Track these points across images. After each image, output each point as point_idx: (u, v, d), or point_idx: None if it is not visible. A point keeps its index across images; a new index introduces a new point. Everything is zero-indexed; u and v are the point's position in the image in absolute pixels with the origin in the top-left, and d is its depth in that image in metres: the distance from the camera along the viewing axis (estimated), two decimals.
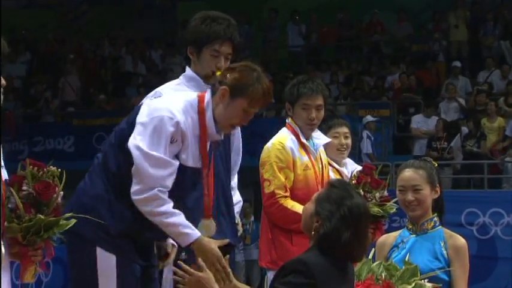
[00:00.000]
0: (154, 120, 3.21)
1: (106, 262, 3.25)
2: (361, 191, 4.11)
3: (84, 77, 17.05)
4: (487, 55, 15.50)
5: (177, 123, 3.22)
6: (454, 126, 13.46)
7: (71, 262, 3.36)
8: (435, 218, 3.63)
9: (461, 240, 3.60)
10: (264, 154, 4.26)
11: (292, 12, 17.36)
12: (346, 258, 2.89)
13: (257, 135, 10.72)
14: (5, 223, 2.82)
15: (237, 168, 3.82)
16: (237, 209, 3.74)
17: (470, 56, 16.06)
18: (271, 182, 4.18)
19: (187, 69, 3.73)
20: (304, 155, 4.28)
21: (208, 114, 3.29)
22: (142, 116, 3.25)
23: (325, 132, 4.68)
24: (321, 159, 4.38)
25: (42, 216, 2.88)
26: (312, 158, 4.31)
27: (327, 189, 2.95)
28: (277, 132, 4.40)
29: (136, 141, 3.20)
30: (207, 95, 3.33)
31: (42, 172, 2.97)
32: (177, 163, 3.24)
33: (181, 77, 3.73)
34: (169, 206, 3.23)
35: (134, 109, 3.38)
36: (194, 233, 3.24)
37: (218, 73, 3.38)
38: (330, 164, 4.64)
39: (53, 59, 18.04)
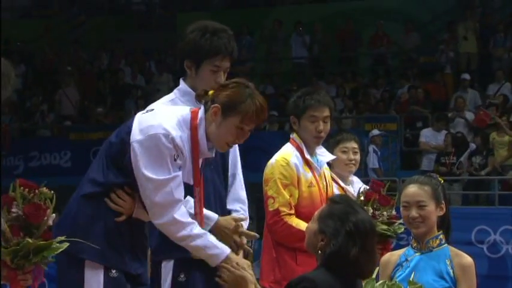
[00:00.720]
0: (151, 139, 3.22)
1: (94, 277, 3.26)
2: (370, 208, 4.10)
3: (81, 90, 17.08)
4: (497, 67, 15.51)
5: (173, 140, 3.23)
6: (463, 141, 13.44)
7: (60, 280, 3.36)
8: (440, 236, 3.62)
9: (467, 259, 3.59)
10: (267, 170, 4.24)
11: (295, 23, 17.40)
12: (355, 275, 2.88)
13: (259, 150, 10.73)
14: None
15: (237, 179, 3.80)
16: (244, 225, 3.73)
17: (480, 68, 16.07)
18: (275, 199, 4.17)
19: (182, 82, 3.72)
20: (309, 171, 4.27)
21: (201, 132, 3.31)
22: (136, 134, 3.25)
23: (333, 147, 4.68)
24: (325, 176, 4.38)
25: (30, 240, 2.85)
26: (316, 174, 4.30)
27: (329, 206, 2.95)
28: (280, 146, 4.39)
29: (140, 165, 3.22)
30: (201, 111, 3.34)
31: (33, 194, 2.94)
32: (179, 173, 3.26)
33: (175, 91, 3.72)
34: (191, 228, 3.27)
35: (126, 123, 3.39)
36: (221, 252, 3.29)
37: (211, 92, 3.38)
38: (335, 182, 4.63)
39: (50, 71, 18.09)
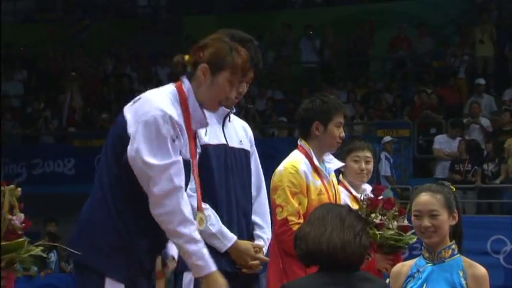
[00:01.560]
0: (149, 124, 3.20)
1: None
2: (378, 215, 4.10)
3: (85, 96, 17.13)
4: None
5: (171, 118, 3.21)
6: (477, 148, 13.40)
7: None
8: (453, 246, 3.60)
9: (481, 270, 3.58)
10: (275, 178, 4.24)
11: (305, 27, 17.39)
12: (334, 266, 2.99)
13: (268, 157, 10.71)
14: None
15: (262, 193, 3.88)
16: (265, 248, 3.80)
17: (496, 73, 16.03)
18: (283, 208, 4.16)
19: (187, 86, 3.77)
20: (318, 179, 4.27)
21: (191, 102, 3.31)
22: (132, 125, 3.22)
23: (345, 155, 4.67)
24: (333, 183, 4.39)
25: None
26: (326, 182, 4.30)
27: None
28: (289, 152, 4.39)
29: (135, 149, 3.19)
30: (186, 83, 3.34)
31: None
32: (179, 158, 3.23)
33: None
34: (192, 230, 3.21)
35: (117, 123, 3.36)
36: (207, 267, 3.23)
37: (187, 57, 3.38)
38: (347, 190, 4.63)
39: (53, 77, 18.14)
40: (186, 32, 17.47)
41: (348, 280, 3.01)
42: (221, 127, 3.80)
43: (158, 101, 3.25)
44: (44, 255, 2.95)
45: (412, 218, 3.63)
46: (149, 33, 18.92)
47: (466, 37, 16.36)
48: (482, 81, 14.90)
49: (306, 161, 4.28)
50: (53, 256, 12.47)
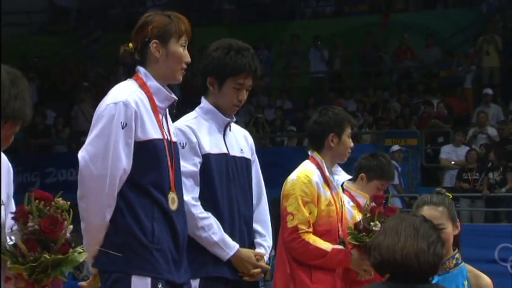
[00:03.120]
0: (103, 114, 3.28)
1: None
2: (377, 222, 4.09)
3: (97, 105, 17.17)
4: None
5: (123, 105, 3.26)
6: (485, 157, 13.37)
7: None
8: (457, 255, 3.56)
9: (486, 280, 3.54)
10: (288, 186, 4.25)
11: (314, 38, 17.41)
12: (395, 261, 2.91)
13: (278, 166, 10.73)
14: (8, 261, 2.75)
15: (263, 201, 3.87)
16: (266, 256, 3.80)
17: (502, 83, 16.00)
18: (294, 216, 4.17)
19: (204, 101, 3.79)
20: (328, 190, 4.29)
21: (151, 83, 3.35)
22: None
23: (373, 176, 4.69)
24: (340, 195, 4.40)
25: (47, 256, 2.78)
26: (334, 193, 4.32)
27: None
28: (298, 162, 4.40)
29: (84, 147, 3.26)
30: (140, 70, 3.38)
31: (49, 206, 2.90)
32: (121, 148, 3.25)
33: (197, 109, 3.79)
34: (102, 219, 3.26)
35: None
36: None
37: (131, 45, 3.40)
38: (352, 198, 4.65)
39: (66, 87, 18.21)
40: (197, 43, 17.52)
41: None
42: (222, 136, 3.78)
43: (113, 94, 3.34)
44: (83, 259, 2.98)
45: None
46: None
47: (472, 48, 16.35)
48: (489, 91, 14.89)
49: (318, 172, 4.30)
50: None
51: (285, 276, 4.25)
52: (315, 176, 4.25)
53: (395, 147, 13.57)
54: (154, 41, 3.33)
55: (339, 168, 4.43)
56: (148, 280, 3.21)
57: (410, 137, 14.48)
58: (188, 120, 3.72)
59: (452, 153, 13.65)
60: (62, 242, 2.84)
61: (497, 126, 14.34)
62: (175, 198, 3.34)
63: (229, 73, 3.68)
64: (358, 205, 4.66)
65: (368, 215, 4.18)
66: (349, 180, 4.71)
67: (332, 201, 4.27)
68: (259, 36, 17.23)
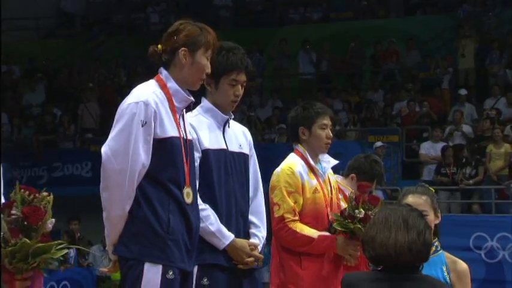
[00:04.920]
0: (122, 111, 3.28)
1: (151, 277, 3.22)
2: (362, 210, 4.09)
3: (101, 105, 17.15)
4: (493, 83, 15.49)
5: (144, 104, 3.28)
6: (461, 152, 13.43)
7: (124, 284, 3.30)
8: (436, 243, 3.60)
9: (463, 265, 3.57)
10: (273, 179, 4.25)
11: (303, 42, 17.43)
12: (387, 253, 2.86)
13: (268, 161, 10.72)
14: None
15: (259, 194, 3.87)
16: (260, 246, 3.80)
17: (476, 84, 16.05)
18: (280, 206, 4.17)
19: (204, 100, 3.80)
20: (313, 178, 4.27)
21: (170, 85, 3.37)
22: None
23: (360, 179, 4.65)
24: (329, 181, 4.38)
25: (28, 241, 2.78)
26: (321, 181, 4.30)
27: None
28: (285, 156, 4.39)
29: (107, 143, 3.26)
30: (162, 71, 3.42)
31: (33, 197, 2.90)
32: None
33: (198, 109, 3.79)
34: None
35: None
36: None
37: (160, 46, 3.43)
38: (341, 191, 4.63)
39: (72, 87, 18.17)
40: None
41: (407, 280, 2.89)
42: (222, 133, 3.78)
43: (135, 94, 3.34)
44: (63, 254, 2.94)
45: None
46: None
47: (449, 51, 16.40)
48: (464, 91, 14.95)
49: (302, 162, 4.28)
50: (72, 252, 12.46)
51: (277, 264, 4.25)
52: (298, 166, 4.23)
53: (379, 144, 13.59)
54: (183, 48, 3.37)
55: (326, 156, 4.41)
56: (160, 267, 3.23)
57: (392, 134, 14.52)
58: (189, 117, 3.71)
59: (431, 149, 13.70)
60: (42, 231, 2.82)
61: (471, 124, 14.40)
62: (190, 192, 3.36)
63: (223, 71, 3.70)
64: (345, 197, 4.66)
65: (353, 202, 4.17)
66: (340, 175, 4.71)
67: (318, 188, 4.24)
68: (252, 41, 17.22)
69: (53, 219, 2.89)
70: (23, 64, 18.97)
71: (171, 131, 3.32)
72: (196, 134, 3.67)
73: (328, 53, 17.55)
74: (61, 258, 2.90)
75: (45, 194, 2.92)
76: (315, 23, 19.03)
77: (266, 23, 19.29)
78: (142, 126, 3.24)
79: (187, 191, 3.35)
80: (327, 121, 4.30)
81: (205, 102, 3.78)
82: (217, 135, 3.75)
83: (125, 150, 3.22)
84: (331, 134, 4.31)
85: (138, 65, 18.37)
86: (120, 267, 3.30)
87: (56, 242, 2.90)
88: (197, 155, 3.63)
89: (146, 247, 3.22)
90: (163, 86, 3.37)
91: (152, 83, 3.41)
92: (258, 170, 3.92)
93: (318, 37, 17.65)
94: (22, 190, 2.88)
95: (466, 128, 13.99)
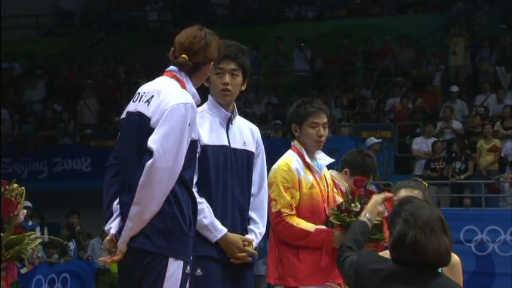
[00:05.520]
0: (176, 113, 3.24)
1: (174, 271, 3.24)
2: (358, 204, 4.10)
3: (100, 101, 17.12)
4: (483, 80, 15.51)
5: (191, 107, 3.28)
6: (451, 148, 13.47)
7: (141, 278, 3.26)
8: None
9: (455, 258, 3.58)
10: (271, 175, 4.25)
11: (297, 39, 17.43)
12: (418, 261, 2.75)
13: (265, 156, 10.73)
14: None
15: (263, 190, 3.88)
16: (255, 241, 3.79)
17: (467, 81, 16.08)
18: (277, 201, 4.18)
19: (210, 97, 3.85)
20: (310, 174, 4.28)
21: (189, 86, 3.38)
22: (157, 118, 3.25)
23: (353, 173, 4.65)
24: (325, 178, 4.38)
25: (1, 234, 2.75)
26: (317, 177, 4.31)
27: (397, 208, 2.90)
28: (283, 152, 4.39)
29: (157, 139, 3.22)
30: (178, 71, 3.41)
31: (4, 189, 2.86)
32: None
33: (204, 105, 3.81)
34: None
35: (132, 127, 3.37)
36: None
37: (186, 57, 3.40)
38: (336, 186, 4.63)
39: (72, 84, 18.13)
40: None
41: (428, 280, 2.78)
42: (225, 129, 3.78)
43: (177, 94, 3.31)
44: (35, 244, 2.90)
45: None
46: (158, 45, 18.91)
47: (440, 48, 16.41)
48: (455, 88, 14.97)
49: (298, 158, 4.28)
50: (72, 245, 12.46)
51: (275, 257, 4.26)
52: (295, 162, 4.24)
53: (373, 140, 13.57)
54: (211, 63, 3.44)
55: (322, 154, 4.42)
56: (181, 263, 3.26)
57: (385, 129, 14.53)
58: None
59: (423, 144, 13.73)
60: (14, 223, 2.79)
61: (462, 120, 14.43)
62: (195, 191, 3.47)
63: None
64: (341, 192, 4.66)
65: (349, 196, 4.18)
66: (334, 170, 4.71)
67: (315, 183, 4.25)
68: (248, 38, 17.16)
69: (25, 211, 2.85)
70: (24, 61, 18.93)
71: (197, 133, 3.39)
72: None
73: (323, 50, 17.55)
74: (36, 248, 2.85)
75: (15, 185, 2.88)
76: (310, 21, 19.02)
77: (262, 21, 19.27)
78: (188, 127, 3.25)
79: (194, 190, 3.45)
80: (318, 119, 4.27)
81: (211, 99, 3.84)
82: (219, 132, 3.76)
83: (176, 150, 3.20)
84: (322, 132, 4.27)
85: (136, 62, 18.36)
86: (137, 258, 3.25)
87: (28, 233, 2.87)
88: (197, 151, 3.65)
89: (173, 243, 3.23)
90: (183, 87, 3.37)
91: (175, 82, 3.38)
92: (265, 167, 3.92)
93: (312, 35, 17.65)
94: None
95: (456, 124, 14.02)
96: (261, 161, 3.89)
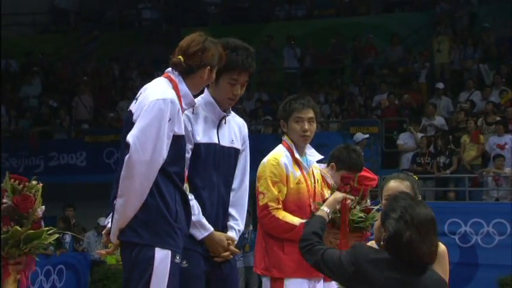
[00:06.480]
0: (154, 107, 3.26)
1: (162, 261, 3.24)
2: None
3: (95, 97, 17.08)
4: (467, 77, 15.56)
5: (171, 102, 3.29)
6: (435, 143, 13.50)
7: (129, 268, 3.28)
8: None
9: (441, 247, 3.60)
10: (260, 169, 4.25)
11: (288, 37, 17.43)
12: (411, 257, 2.83)
13: (255, 151, 10.73)
14: None
15: (244, 186, 3.86)
16: (236, 238, 3.78)
17: (452, 78, 16.12)
18: (265, 195, 4.18)
19: (206, 92, 3.76)
20: (298, 170, 4.27)
21: (181, 87, 3.39)
22: (138, 113, 3.30)
23: (339, 168, 4.64)
24: (313, 174, 4.38)
25: (19, 228, 2.77)
26: (305, 173, 4.31)
27: (391, 203, 2.96)
28: (273, 148, 4.39)
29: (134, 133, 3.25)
30: (174, 73, 3.42)
31: (23, 186, 2.88)
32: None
33: (199, 99, 3.75)
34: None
35: (126, 120, 3.42)
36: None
37: (182, 58, 3.41)
38: (324, 180, 4.63)
39: (67, 80, 18.07)
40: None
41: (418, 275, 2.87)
42: (216, 127, 3.76)
43: (159, 89, 3.33)
44: (54, 239, 2.93)
45: (383, 201, 3.65)
46: (152, 42, 18.87)
47: (425, 46, 16.46)
48: (441, 85, 15.01)
49: (288, 154, 4.28)
50: (67, 237, 12.43)
51: (261, 249, 4.26)
52: (283, 158, 4.24)
53: (361, 135, 13.59)
54: (208, 68, 3.44)
55: (312, 150, 4.42)
56: (169, 252, 3.26)
57: (372, 125, 14.56)
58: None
59: (408, 140, 13.78)
60: (33, 218, 2.81)
61: (446, 116, 14.47)
62: (187, 187, 3.46)
63: (224, 69, 3.64)
64: (328, 185, 4.66)
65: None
66: (323, 163, 4.71)
67: (302, 179, 4.25)
68: (239, 36, 17.08)
69: (43, 207, 2.88)
70: (20, 58, 18.85)
71: (183, 129, 3.38)
72: (191, 127, 3.66)
73: (312, 48, 17.56)
74: (53, 243, 2.90)
75: (34, 182, 2.90)
76: (299, 19, 19.02)
77: (253, 19, 19.25)
78: (168, 122, 3.26)
79: (185, 186, 3.44)
80: (303, 114, 4.25)
81: (206, 94, 3.76)
82: (210, 130, 3.73)
83: (153, 143, 3.21)
84: (306, 127, 4.24)
85: (130, 59, 18.31)
86: (126, 251, 3.29)
87: (46, 228, 2.90)
88: (189, 147, 3.62)
89: (158, 234, 3.24)
90: (175, 86, 3.38)
91: (165, 81, 3.40)
92: (248, 163, 3.90)
93: (302, 33, 17.65)
94: (12, 180, 2.85)
95: (439, 120, 14.08)
96: (244, 157, 3.88)
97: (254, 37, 17.91)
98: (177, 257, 3.29)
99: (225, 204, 3.77)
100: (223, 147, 3.76)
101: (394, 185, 3.61)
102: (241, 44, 3.74)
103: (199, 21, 18.98)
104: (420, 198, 3.67)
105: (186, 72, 3.39)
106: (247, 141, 3.93)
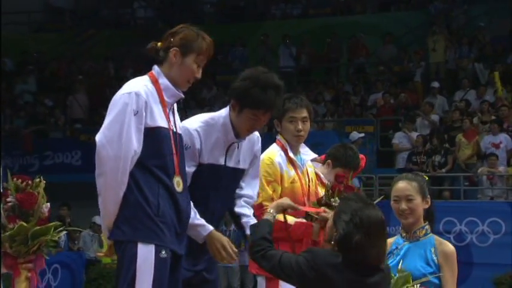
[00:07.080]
0: (118, 102, 3.30)
1: (145, 256, 3.23)
2: (337, 199, 4.10)
3: (90, 96, 17.06)
4: (462, 76, 15.59)
5: (135, 94, 3.30)
6: (429, 142, 13.53)
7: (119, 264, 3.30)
8: (426, 226, 3.66)
9: (450, 247, 3.63)
10: None
11: (283, 36, 17.44)
12: (360, 259, 2.91)
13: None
14: None
15: (256, 181, 3.88)
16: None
17: (447, 77, 16.15)
18: (259, 194, 4.19)
19: (227, 113, 3.74)
20: (292, 169, 4.27)
21: (161, 80, 3.39)
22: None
23: (335, 165, 4.64)
24: (307, 173, 4.39)
25: (25, 224, 2.80)
26: (299, 172, 4.31)
27: (343, 203, 3.04)
28: (268, 146, 4.39)
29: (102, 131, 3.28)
30: (155, 68, 3.45)
31: (26, 184, 2.89)
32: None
33: (218, 115, 3.75)
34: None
35: None
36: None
37: (160, 44, 3.43)
38: (319, 178, 4.63)
39: (62, 79, 18.05)
40: None
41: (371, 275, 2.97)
42: (225, 149, 3.75)
43: (128, 86, 3.37)
44: (58, 238, 2.95)
45: (392, 202, 3.68)
46: (146, 41, 18.82)
47: (421, 45, 16.48)
48: (436, 84, 15.04)
49: (282, 153, 4.29)
50: (62, 236, 12.39)
51: None
52: (278, 157, 4.24)
53: (356, 135, 13.60)
54: (175, 48, 3.38)
55: (306, 148, 4.42)
56: (153, 247, 3.25)
57: (368, 124, 14.57)
58: (201, 124, 3.70)
59: (403, 139, 13.79)
60: (38, 214, 2.83)
61: (442, 115, 14.50)
62: (180, 181, 3.39)
63: (249, 104, 3.64)
64: (323, 184, 4.67)
65: (330, 192, 4.19)
66: (318, 162, 4.72)
67: (296, 178, 4.25)
68: (235, 35, 17.19)
69: (48, 204, 2.90)
70: (15, 57, 18.82)
71: (160, 121, 3.34)
72: (200, 145, 3.66)
73: (308, 47, 17.57)
74: (56, 239, 2.91)
75: (37, 180, 2.92)
76: (295, 18, 19.03)
77: (248, 18, 19.25)
78: (134, 115, 3.26)
79: (177, 180, 3.37)
80: (296, 114, 4.24)
81: (226, 115, 3.74)
82: (220, 151, 3.73)
83: (118, 137, 3.23)
84: (300, 127, 4.24)
85: (125, 58, 18.29)
86: (116, 249, 3.31)
87: (53, 223, 2.91)
88: (193, 164, 3.63)
89: (139, 229, 3.24)
90: (154, 82, 3.39)
91: (144, 78, 3.43)
92: (259, 173, 3.93)
93: (298, 32, 17.65)
94: (15, 179, 2.87)
95: (435, 119, 14.10)
96: (256, 167, 3.91)
97: (250, 36, 17.94)
98: (163, 252, 3.26)
99: (219, 218, 3.80)
100: (228, 168, 3.77)
101: (402, 185, 3.63)
102: (272, 81, 3.70)
103: (194, 20, 18.92)
104: (429, 198, 3.68)
105: (162, 59, 3.41)
106: (259, 154, 3.95)
